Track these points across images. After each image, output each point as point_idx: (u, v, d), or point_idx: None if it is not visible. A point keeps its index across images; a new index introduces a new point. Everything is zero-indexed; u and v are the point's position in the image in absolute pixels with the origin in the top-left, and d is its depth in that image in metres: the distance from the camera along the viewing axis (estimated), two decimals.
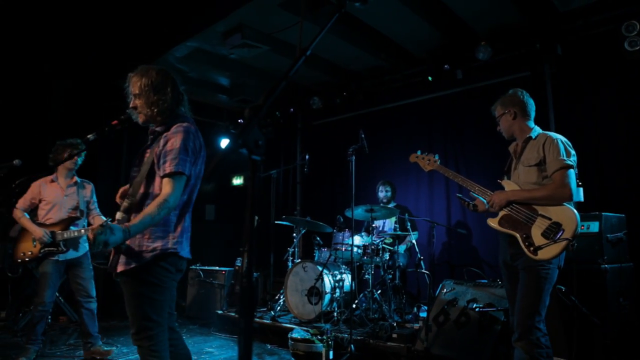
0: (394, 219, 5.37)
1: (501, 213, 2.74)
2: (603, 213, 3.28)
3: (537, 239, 2.54)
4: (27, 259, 3.97)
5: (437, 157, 3.24)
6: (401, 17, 5.15)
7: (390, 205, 5.65)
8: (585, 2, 4.73)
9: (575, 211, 2.55)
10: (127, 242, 2.15)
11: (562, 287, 3.22)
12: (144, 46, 6.15)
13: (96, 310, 4.19)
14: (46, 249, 3.95)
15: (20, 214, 4.02)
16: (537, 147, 2.71)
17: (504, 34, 5.32)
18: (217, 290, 6.04)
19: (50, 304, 4.05)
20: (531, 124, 2.87)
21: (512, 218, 2.68)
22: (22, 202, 4.07)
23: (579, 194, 3.59)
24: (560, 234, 2.50)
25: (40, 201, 4.10)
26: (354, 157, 4.31)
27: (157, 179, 2.21)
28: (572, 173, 2.59)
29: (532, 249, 2.54)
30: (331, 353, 3.96)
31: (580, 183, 3.61)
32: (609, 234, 3.27)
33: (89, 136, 2.78)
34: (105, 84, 6.95)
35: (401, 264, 5.30)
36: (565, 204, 2.56)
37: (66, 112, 7.09)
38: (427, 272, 4.68)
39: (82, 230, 4.04)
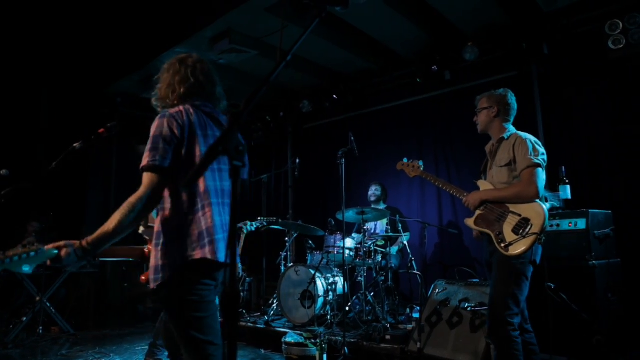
0: (385, 220, 5.39)
1: (477, 212, 2.84)
2: (590, 210, 3.32)
3: (508, 235, 2.62)
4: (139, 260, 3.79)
5: (421, 163, 3.34)
6: (388, 19, 5.18)
7: (380, 207, 5.67)
8: (569, 2, 4.79)
9: (544, 206, 2.62)
10: (152, 256, 1.88)
11: (552, 284, 3.25)
12: (132, 54, 6.14)
13: None
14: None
15: None
16: (509, 148, 2.78)
17: (490, 35, 5.37)
18: None
19: None
20: (509, 125, 2.92)
21: (486, 217, 2.77)
22: None
23: (566, 191, 3.63)
24: (528, 228, 2.57)
25: None
26: (344, 160, 4.32)
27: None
28: (540, 171, 2.64)
29: (503, 245, 2.62)
30: (325, 356, 3.95)
31: (567, 180, 3.65)
32: (597, 230, 3.30)
33: (75, 145, 2.76)
34: (94, 91, 6.92)
35: (393, 265, 5.31)
36: (536, 200, 2.63)
37: (55, 121, 7.05)
38: (419, 272, 4.69)
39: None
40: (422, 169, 3.31)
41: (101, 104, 6.91)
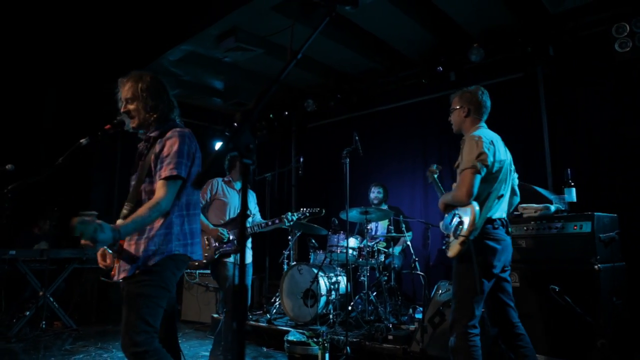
0: (386, 222, 5.38)
1: (445, 216, 2.86)
2: (595, 213, 3.30)
3: (451, 237, 2.67)
4: (204, 261, 3.81)
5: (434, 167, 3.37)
6: (394, 20, 5.17)
7: (382, 207, 5.67)
8: (576, 4, 4.77)
9: (477, 208, 2.57)
10: (128, 247, 2.15)
11: (556, 287, 3.24)
12: (137, 50, 6.15)
13: None
14: (222, 250, 3.79)
15: None
16: (461, 149, 2.77)
17: (496, 36, 5.36)
18: (212, 294, 6.04)
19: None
20: (481, 124, 2.88)
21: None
22: None
23: (572, 194, 3.61)
24: (459, 231, 2.58)
25: (213, 200, 4.04)
26: (348, 160, 4.32)
27: (155, 184, 2.21)
28: (471, 173, 2.58)
29: (446, 247, 2.74)
30: (327, 355, 3.96)
31: (572, 183, 3.63)
32: (602, 233, 3.29)
33: (82, 141, 2.76)
34: (99, 88, 6.93)
35: (396, 265, 5.31)
36: (472, 202, 2.60)
37: (59, 117, 7.07)
38: (422, 273, 4.69)
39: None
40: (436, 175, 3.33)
41: (106, 100, 6.91)
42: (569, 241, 3.33)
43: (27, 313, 5.33)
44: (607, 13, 4.62)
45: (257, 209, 4.35)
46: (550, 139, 5.11)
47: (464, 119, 2.90)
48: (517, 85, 5.53)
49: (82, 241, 1.90)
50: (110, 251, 2.25)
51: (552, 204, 3.58)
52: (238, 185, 4.12)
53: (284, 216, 4.03)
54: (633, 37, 4.35)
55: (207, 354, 4.63)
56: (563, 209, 3.59)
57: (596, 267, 3.16)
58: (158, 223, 2.17)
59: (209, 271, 6.13)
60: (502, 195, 2.71)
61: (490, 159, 2.62)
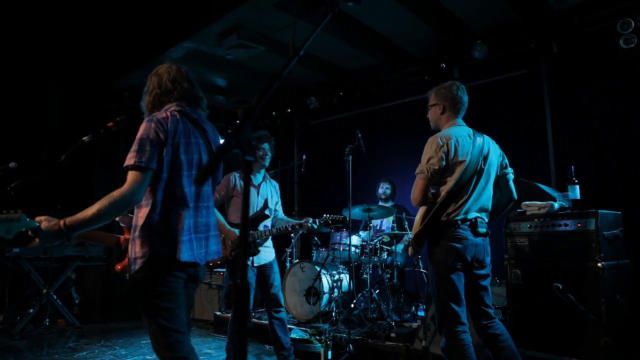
0: (391, 218, 5.37)
1: None
2: (599, 210, 3.28)
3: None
4: (218, 262, 3.65)
5: None
6: (397, 17, 5.15)
7: (388, 204, 5.66)
8: (580, 1, 4.74)
9: (421, 213, 2.70)
10: (130, 248, 2.05)
11: (559, 285, 3.23)
12: (140, 48, 6.15)
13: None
14: (237, 251, 3.58)
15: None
16: None
17: (499, 33, 5.33)
18: (215, 292, 6.04)
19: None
20: (458, 120, 2.85)
21: None
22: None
23: (575, 192, 3.59)
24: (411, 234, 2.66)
25: (231, 197, 3.78)
26: (350, 157, 4.31)
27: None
28: (422, 180, 2.64)
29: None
30: (329, 353, 3.96)
31: (576, 180, 3.62)
32: (606, 231, 3.27)
33: (84, 138, 2.76)
34: (102, 86, 6.94)
35: (399, 263, 5.30)
36: (426, 206, 2.68)
37: (63, 114, 7.08)
38: (424, 271, 4.68)
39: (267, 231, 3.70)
40: None
41: (109, 98, 6.94)
42: (573, 239, 3.31)
43: (31, 310, 5.35)
44: (611, 9, 4.59)
45: (279, 203, 4.08)
46: (554, 136, 5.09)
47: (439, 116, 2.90)
48: (520, 81, 5.51)
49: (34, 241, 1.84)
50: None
51: (555, 201, 3.56)
52: (257, 179, 3.92)
53: (306, 222, 3.72)
54: (638, 33, 4.32)
55: (210, 351, 4.64)
56: (567, 206, 3.57)
57: (600, 264, 3.15)
58: (140, 221, 2.01)
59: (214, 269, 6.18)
60: (466, 196, 2.65)
61: (442, 162, 2.61)
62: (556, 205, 3.53)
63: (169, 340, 1.98)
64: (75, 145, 2.80)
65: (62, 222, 1.84)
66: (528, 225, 3.56)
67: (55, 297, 5.53)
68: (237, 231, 3.58)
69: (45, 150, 6.93)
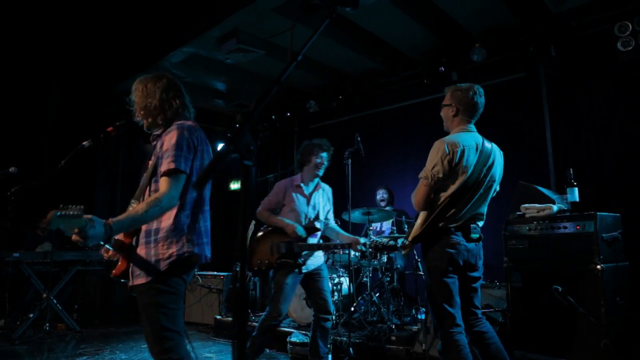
0: (391, 220, 5.38)
1: None
2: (598, 213, 3.29)
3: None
4: (263, 267, 3.54)
5: None
6: (396, 20, 5.18)
7: (387, 209, 5.66)
8: (578, 3, 4.76)
9: (421, 218, 2.72)
10: (140, 250, 2.09)
11: (559, 287, 3.23)
12: (140, 52, 6.17)
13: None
14: (282, 259, 3.43)
15: (267, 213, 3.57)
16: None
17: (498, 36, 5.35)
18: (216, 295, 6.04)
19: (284, 316, 3.51)
20: (470, 126, 2.82)
21: None
22: (267, 204, 3.62)
23: (574, 194, 3.60)
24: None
25: (281, 206, 3.61)
26: (350, 161, 4.32)
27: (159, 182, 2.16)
28: (425, 185, 2.64)
29: None
30: (330, 357, 3.95)
31: (575, 183, 3.62)
32: (605, 233, 3.27)
33: (84, 143, 2.79)
34: (102, 90, 6.96)
35: (399, 266, 5.30)
36: (425, 211, 2.70)
37: (62, 120, 7.10)
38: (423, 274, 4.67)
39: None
40: None
41: (108, 102, 6.96)
42: (572, 241, 3.32)
43: (31, 315, 5.35)
44: (609, 12, 4.61)
45: (331, 211, 3.88)
46: (553, 139, 5.10)
47: (452, 118, 2.87)
48: (519, 85, 5.53)
49: (73, 237, 1.81)
50: (109, 247, 2.17)
51: (554, 203, 3.57)
52: (308, 188, 3.69)
53: (355, 241, 3.50)
54: (635, 36, 4.34)
55: (210, 355, 4.64)
56: (566, 208, 3.58)
57: (599, 266, 3.15)
58: (166, 223, 2.08)
59: (211, 272, 6.17)
60: (465, 204, 2.64)
61: (446, 170, 2.60)
62: (555, 207, 3.54)
63: (171, 342, 2.02)
64: (76, 149, 2.81)
65: (109, 221, 1.88)
66: (527, 228, 3.57)
67: (55, 301, 5.53)
68: (299, 227, 3.45)
69: (46, 154, 6.94)
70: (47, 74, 6.79)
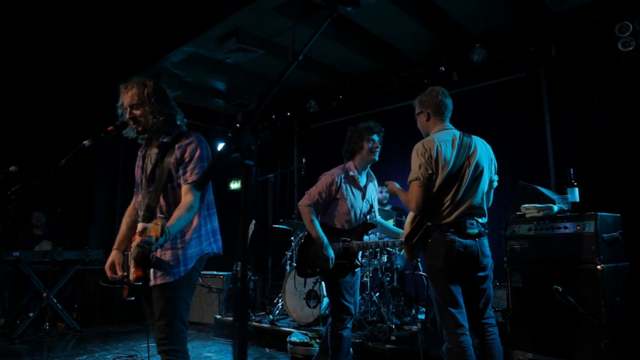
0: (391, 220, 5.36)
1: None
2: (598, 213, 3.29)
3: None
4: (317, 269, 3.30)
5: None
6: (396, 20, 5.17)
7: (387, 208, 5.66)
8: (579, 4, 4.76)
9: (409, 218, 2.79)
10: (163, 254, 2.23)
11: (559, 287, 3.23)
12: (140, 51, 6.16)
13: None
14: (338, 261, 3.15)
15: (310, 213, 3.22)
16: None
17: (498, 36, 5.35)
18: (216, 295, 6.04)
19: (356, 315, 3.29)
20: (446, 125, 2.84)
21: None
22: (314, 198, 3.20)
23: (574, 194, 3.60)
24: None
25: (333, 200, 3.23)
26: None
27: (176, 189, 2.30)
28: (419, 187, 2.65)
29: None
30: None
31: (575, 183, 3.62)
32: (605, 233, 3.27)
33: (84, 142, 2.77)
34: (102, 89, 6.95)
35: (399, 266, 5.30)
36: (413, 212, 2.75)
37: (62, 119, 7.10)
38: (424, 274, 4.68)
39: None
40: None
41: (108, 101, 6.94)
42: (572, 241, 3.32)
43: (31, 314, 5.35)
44: (609, 12, 4.61)
45: (376, 207, 3.53)
46: (553, 139, 5.10)
47: (426, 123, 2.90)
48: (519, 85, 5.52)
49: (139, 243, 1.97)
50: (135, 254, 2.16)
51: (555, 204, 3.57)
52: (362, 180, 3.34)
53: (394, 243, 3.34)
54: (636, 36, 4.34)
55: (211, 354, 4.64)
56: (566, 209, 3.58)
57: (599, 267, 3.15)
58: (190, 227, 2.28)
59: (211, 272, 6.17)
60: (451, 199, 2.64)
61: (432, 166, 2.63)
62: (555, 207, 3.54)
63: (181, 334, 2.20)
64: (75, 149, 2.80)
65: (168, 229, 2.03)
66: (527, 228, 3.56)
67: (55, 300, 5.53)
68: (329, 250, 3.16)
69: (45, 153, 6.94)
70: (47, 73, 6.79)
